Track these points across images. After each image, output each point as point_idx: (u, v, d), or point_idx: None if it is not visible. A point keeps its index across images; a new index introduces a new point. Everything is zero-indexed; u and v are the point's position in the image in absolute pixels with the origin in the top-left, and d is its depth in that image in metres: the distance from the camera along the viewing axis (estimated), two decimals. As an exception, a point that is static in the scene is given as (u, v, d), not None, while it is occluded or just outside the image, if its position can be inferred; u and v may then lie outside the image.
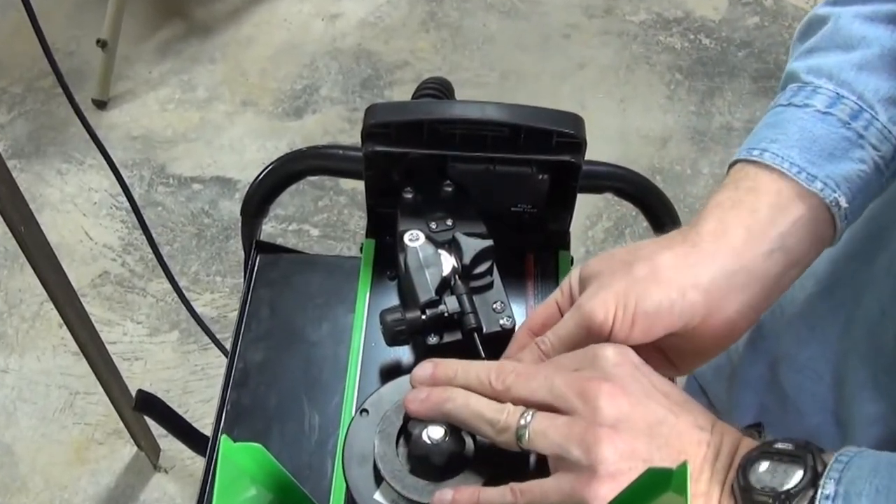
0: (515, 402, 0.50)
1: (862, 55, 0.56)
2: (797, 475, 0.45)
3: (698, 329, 0.53)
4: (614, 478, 0.46)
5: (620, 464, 0.46)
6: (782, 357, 0.75)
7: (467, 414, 0.50)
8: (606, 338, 0.52)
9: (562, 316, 0.55)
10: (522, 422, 0.49)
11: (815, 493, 0.44)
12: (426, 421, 0.52)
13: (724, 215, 0.54)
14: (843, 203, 0.54)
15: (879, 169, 0.55)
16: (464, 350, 0.60)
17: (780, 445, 0.47)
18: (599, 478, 0.46)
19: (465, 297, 0.61)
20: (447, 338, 0.60)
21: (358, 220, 1.90)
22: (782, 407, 0.75)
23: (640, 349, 0.52)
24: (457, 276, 0.62)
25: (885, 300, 0.63)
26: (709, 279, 0.52)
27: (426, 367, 0.54)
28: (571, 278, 0.57)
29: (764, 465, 0.46)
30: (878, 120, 0.55)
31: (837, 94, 0.56)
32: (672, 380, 0.68)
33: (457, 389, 0.51)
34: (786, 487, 0.45)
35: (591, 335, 0.52)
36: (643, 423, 0.48)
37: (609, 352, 0.50)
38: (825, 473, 0.45)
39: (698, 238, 0.54)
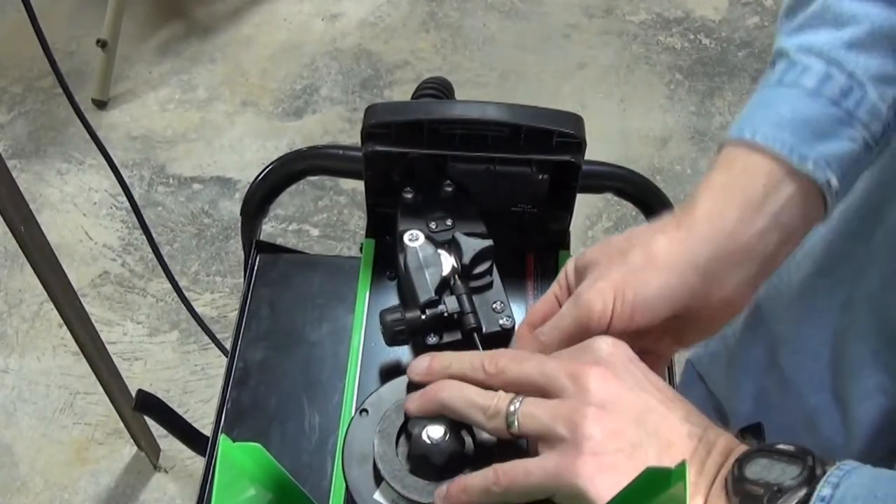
0: (508, 386, 0.50)
1: (852, 32, 0.56)
2: (793, 472, 0.45)
3: (696, 310, 0.54)
4: (597, 456, 0.45)
5: (606, 443, 0.46)
6: (780, 339, 0.75)
7: (461, 403, 0.51)
8: (606, 328, 0.52)
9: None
10: (512, 407, 0.49)
11: (811, 493, 0.44)
12: (426, 420, 0.52)
13: (717, 197, 0.54)
14: (834, 182, 0.54)
15: (868, 146, 0.56)
16: (463, 350, 0.60)
17: (781, 446, 0.47)
18: (583, 455, 0.45)
19: (464, 297, 0.61)
20: (447, 338, 0.60)
21: (358, 220, 1.90)
22: (782, 389, 0.76)
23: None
24: (456, 276, 0.62)
25: (887, 275, 0.63)
26: (705, 261, 0.53)
27: (423, 360, 0.54)
28: (567, 269, 0.57)
29: (762, 462, 0.46)
30: (868, 98, 0.55)
31: (827, 72, 0.56)
32: (670, 372, 0.69)
33: (451, 381, 0.52)
34: (779, 481, 0.45)
35: (591, 326, 0.52)
36: (633, 409, 0.48)
37: (603, 343, 0.50)
38: (825, 477, 0.45)
39: (692, 221, 0.54)
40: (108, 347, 1.35)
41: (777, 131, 0.55)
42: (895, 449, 0.66)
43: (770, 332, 0.77)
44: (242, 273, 0.80)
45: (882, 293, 0.64)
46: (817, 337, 0.71)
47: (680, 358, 0.75)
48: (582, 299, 0.53)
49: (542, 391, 0.49)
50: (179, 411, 1.36)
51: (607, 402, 0.47)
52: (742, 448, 0.49)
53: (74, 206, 1.93)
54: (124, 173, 1.45)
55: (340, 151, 0.76)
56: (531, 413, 0.48)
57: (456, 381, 0.52)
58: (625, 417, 0.47)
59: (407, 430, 0.54)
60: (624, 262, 0.53)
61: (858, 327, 0.66)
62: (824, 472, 0.45)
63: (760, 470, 0.46)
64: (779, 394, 0.77)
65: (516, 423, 0.48)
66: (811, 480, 0.45)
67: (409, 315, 0.60)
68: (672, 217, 0.55)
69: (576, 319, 0.53)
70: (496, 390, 0.51)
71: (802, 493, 0.44)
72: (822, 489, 0.44)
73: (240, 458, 0.48)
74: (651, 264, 0.52)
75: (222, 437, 0.46)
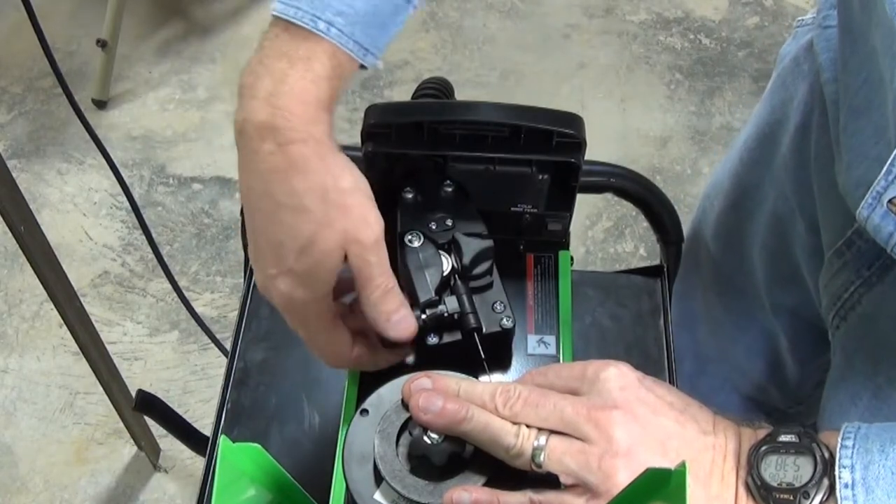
0: (527, 425, 0.51)
1: None
2: (809, 468, 0.47)
3: None
4: None
5: None
6: (711, 281, 0.85)
7: (484, 437, 0.51)
8: None
9: None
10: (536, 444, 0.50)
11: (833, 482, 0.46)
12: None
13: None
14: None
15: None
16: (464, 350, 0.60)
17: (783, 438, 0.49)
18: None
19: (464, 298, 0.61)
20: (447, 338, 0.60)
21: (358, 220, 1.90)
22: (715, 332, 0.85)
23: None
24: (456, 277, 0.62)
25: (787, 192, 0.69)
26: None
27: (423, 383, 0.54)
28: None
29: (772, 461, 0.48)
30: None
31: None
32: (670, 368, 0.71)
33: (475, 408, 0.51)
34: (804, 482, 0.47)
35: None
36: (655, 442, 0.49)
37: (611, 373, 0.51)
38: (837, 462, 0.47)
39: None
40: (108, 347, 1.35)
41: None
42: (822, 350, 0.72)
43: (703, 278, 0.85)
44: (242, 273, 0.80)
45: (787, 209, 0.69)
46: (739, 273, 0.80)
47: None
48: None
49: (564, 433, 0.50)
50: (179, 411, 1.36)
51: (632, 445, 0.48)
52: (746, 439, 0.50)
53: (74, 206, 1.93)
54: (124, 173, 1.45)
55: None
56: (559, 458, 0.49)
57: (480, 409, 0.52)
58: (650, 454, 0.48)
59: (407, 430, 0.54)
60: None
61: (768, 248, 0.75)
62: (833, 456, 0.47)
63: (776, 471, 0.48)
64: (713, 345, 0.83)
65: (542, 461, 0.49)
66: (827, 468, 0.47)
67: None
68: None
69: None
70: None
71: (826, 484, 0.46)
72: (842, 476, 0.46)
73: (240, 458, 0.48)
74: None
75: (222, 438, 0.46)
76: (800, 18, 0.73)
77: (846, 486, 0.46)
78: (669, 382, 0.71)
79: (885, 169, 0.48)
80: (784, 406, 0.90)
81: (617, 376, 0.51)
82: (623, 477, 0.47)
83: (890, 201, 0.49)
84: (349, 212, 0.53)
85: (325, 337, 0.56)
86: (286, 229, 0.52)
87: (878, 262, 0.58)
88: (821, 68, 0.64)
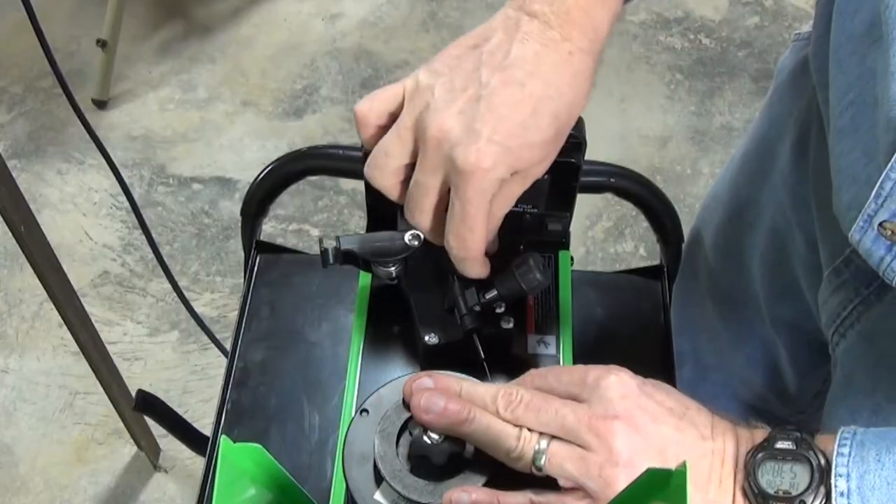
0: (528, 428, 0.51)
1: None
2: (805, 476, 0.47)
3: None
4: None
5: None
6: (710, 291, 0.85)
7: (485, 439, 0.51)
8: None
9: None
10: (537, 448, 0.50)
11: (829, 490, 0.46)
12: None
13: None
14: None
15: None
16: (463, 350, 0.60)
17: (780, 445, 0.48)
18: None
19: (464, 298, 0.60)
20: (446, 338, 0.60)
21: (358, 220, 1.90)
22: (715, 341, 0.85)
23: None
24: (456, 277, 0.62)
25: (786, 207, 0.69)
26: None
27: (425, 382, 0.54)
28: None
29: (769, 467, 0.48)
30: None
31: None
32: (670, 368, 0.70)
33: (477, 410, 0.52)
34: (800, 490, 0.47)
35: None
36: (655, 450, 0.49)
37: (612, 381, 0.51)
38: (833, 471, 0.46)
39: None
40: (108, 347, 1.35)
41: None
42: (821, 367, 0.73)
43: (699, 289, 0.85)
44: (242, 273, 0.80)
45: (784, 224, 0.69)
46: (738, 285, 0.79)
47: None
48: None
49: (564, 439, 0.50)
50: (179, 411, 1.36)
51: (633, 455, 0.48)
52: (744, 443, 0.50)
53: (74, 206, 1.93)
54: (124, 173, 1.45)
55: (340, 151, 0.76)
56: (559, 463, 0.49)
57: (482, 411, 0.52)
58: (649, 462, 0.48)
59: (407, 430, 0.54)
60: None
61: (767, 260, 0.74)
62: (829, 464, 0.47)
63: (773, 478, 0.48)
64: (712, 346, 0.85)
65: (542, 465, 0.50)
66: (823, 476, 0.47)
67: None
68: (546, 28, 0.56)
69: None
70: None
71: (822, 492, 0.46)
72: (838, 485, 0.46)
73: (240, 458, 0.48)
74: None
75: (222, 438, 0.46)
76: (797, 32, 0.72)
77: (842, 494, 0.46)
78: (669, 383, 0.71)
79: (874, 192, 0.48)
80: (784, 414, 0.90)
81: (617, 384, 0.51)
82: (623, 486, 0.47)
83: (881, 224, 0.48)
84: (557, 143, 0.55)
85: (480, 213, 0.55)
86: (533, 116, 0.54)
87: (876, 282, 0.57)
88: (817, 86, 0.63)
